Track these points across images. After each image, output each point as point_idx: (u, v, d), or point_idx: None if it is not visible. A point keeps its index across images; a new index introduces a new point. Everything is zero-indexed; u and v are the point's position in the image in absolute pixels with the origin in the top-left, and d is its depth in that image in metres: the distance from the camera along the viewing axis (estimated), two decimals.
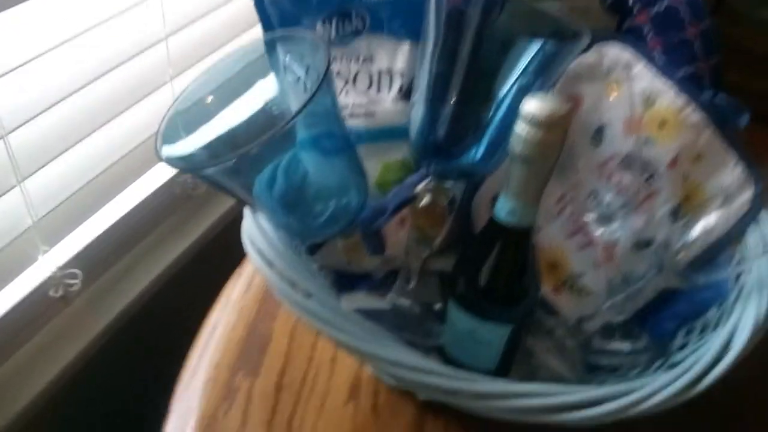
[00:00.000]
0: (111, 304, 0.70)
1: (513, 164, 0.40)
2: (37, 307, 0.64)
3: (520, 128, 0.38)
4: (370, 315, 0.43)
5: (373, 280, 0.52)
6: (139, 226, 0.74)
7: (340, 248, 0.49)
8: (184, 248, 0.76)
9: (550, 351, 0.50)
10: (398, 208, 0.45)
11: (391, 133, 0.50)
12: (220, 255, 0.73)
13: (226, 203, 0.84)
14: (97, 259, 0.70)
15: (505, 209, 0.42)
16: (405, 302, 0.49)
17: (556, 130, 0.37)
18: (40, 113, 0.58)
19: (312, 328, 0.43)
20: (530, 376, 0.49)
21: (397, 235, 0.48)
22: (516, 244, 0.45)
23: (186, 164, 0.38)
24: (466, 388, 0.41)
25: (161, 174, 0.77)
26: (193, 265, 0.78)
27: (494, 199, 0.49)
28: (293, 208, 0.45)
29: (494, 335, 0.47)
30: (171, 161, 0.39)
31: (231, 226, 0.84)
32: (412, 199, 0.45)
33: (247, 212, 0.48)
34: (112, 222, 0.71)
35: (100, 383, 0.71)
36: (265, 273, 0.45)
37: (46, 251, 0.64)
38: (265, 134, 0.37)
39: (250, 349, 0.62)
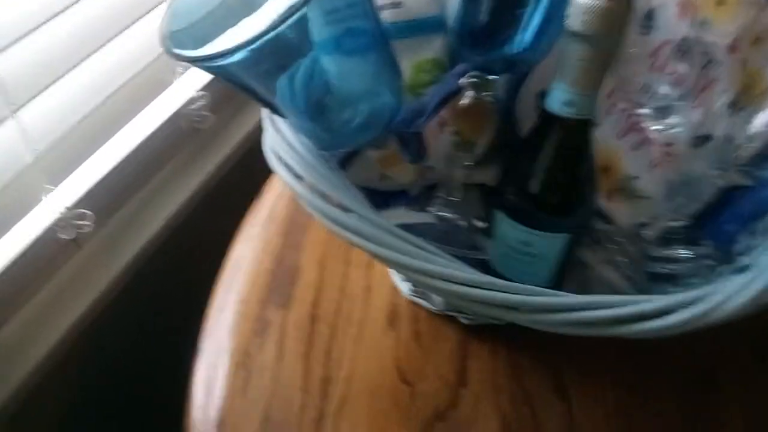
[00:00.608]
0: (126, 246, 0.66)
1: (570, 45, 0.35)
2: (47, 251, 0.60)
3: None
4: (412, 230, 0.38)
5: (408, 197, 0.47)
6: (147, 163, 0.69)
7: (374, 160, 0.44)
8: (199, 183, 0.71)
9: (606, 262, 0.46)
10: (441, 105, 0.40)
11: (422, 27, 0.44)
12: (237, 188, 0.69)
13: (238, 135, 0.78)
14: (106, 199, 0.65)
15: (560, 100, 0.37)
16: (449, 214, 0.44)
17: None
18: (30, 32, 0.52)
19: (352, 245, 0.39)
20: (583, 289, 0.45)
21: (438, 139, 0.43)
22: (574, 139, 0.40)
23: (200, 55, 0.33)
24: (530, 301, 0.37)
25: (165, 106, 0.71)
26: (209, 200, 0.74)
27: (541, 95, 0.44)
28: (318, 115, 0.40)
29: (548, 247, 0.43)
30: (183, 56, 0.34)
31: (245, 159, 0.80)
32: (456, 93, 0.40)
33: (267, 123, 0.43)
34: (119, 159, 0.66)
35: (119, 330, 0.68)
36: (295, 188, 0.40)
37: (50, 191, 0.59)
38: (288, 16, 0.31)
39: (278, 282, 0.58)
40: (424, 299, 0.54)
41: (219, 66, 0.34)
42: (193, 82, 0.74)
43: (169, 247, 0.69)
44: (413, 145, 0.42)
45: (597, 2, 0.33)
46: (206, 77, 0.75)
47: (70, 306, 0.61)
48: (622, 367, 0.53)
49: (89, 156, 0.64)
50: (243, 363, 0.53)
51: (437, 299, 0.52)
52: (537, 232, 0.42)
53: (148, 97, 0.69)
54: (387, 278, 0.58)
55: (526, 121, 0.44)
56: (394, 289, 0.57)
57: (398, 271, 0.38)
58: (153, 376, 0.70)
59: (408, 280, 0.53)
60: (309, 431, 0.49)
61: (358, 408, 0.50)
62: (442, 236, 0.44)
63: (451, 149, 0.45)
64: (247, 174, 0.68)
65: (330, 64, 0.38)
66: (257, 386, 0.51)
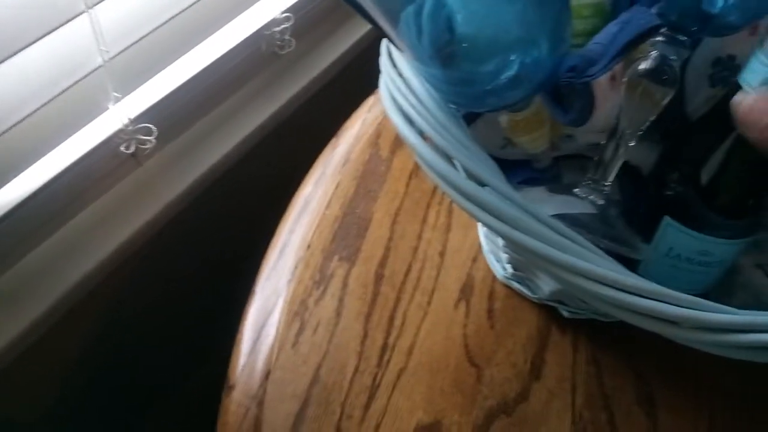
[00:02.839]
0: (187, 170, 0.62)
1: None
2: (107, 162, 0.57)
3: None
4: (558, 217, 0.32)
5: (532, 170, 0.40)
6: (220, 83, 0.64)
7: (504, 123, 0.37)
8: (272, 112, 0.66)
9: (756, 266, 0.39)
10: (621, 54, 0.32)
11: None
12: (312, 123, 0.63)
13: (319, 65, 0.73)
14: (173, 116, 0.61)
15: (762, 75, 0.29)
16: (601, 201, 0.37)
17: None
18: None
19: (486, 225, 0.32)
20: (727, 296, 0.38)
21: (606, 98, 0.35)
22: None
23: None
24: (699, 317, 0.29)
25: (248, 24, 0.66)
26: (280, 132, 0.69)
27: (717, 63, 0.36)
28: (449, 62, 0.33)
29: (728, 254, 0.36)
30: None
31: (324, 92, 0.74)
32: (638, 42, 0.32)
33: (386, 62, 0.37)
34: (191, 75, 0.61)
35: (170, 256, 0.65)
36: (416, 148, 0.34)
37: (118, 99, 0.55)
38: None
39: (346, 232, 0.53)
40: (524, 286, 0.48)
41: None
42: (279, 2, 0.68)
43: (231, 177, 0.65)
44: (579, 102, 0.34)
45: None
46: None
47: (122, 224, 0.58)
48: (723, 381, 0.46)
49: (161, 68, 0.59)
50: (298, 313, 0.48)
51: (544, 288, 0.45)
52: (723, 240, 0.35)
53: (230, 13, 0.64)
54: (465, 245, 0.52)
55: (693, 96, 0.36)
56: (472, 259, 0.52)
57: (540, 265, 0.31)
58: (202, 309, 0.67)
59: (537, 270, 0.45)
60: (360, 399, 0.44)
61: (416, 383, 0.45)
62: (595, 227, 0.37)
63: (622, 113, 0.37)
64: (325, 109, 0.63)
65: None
66: (310, 341, 0.47)
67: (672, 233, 0.36)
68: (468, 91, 0.34)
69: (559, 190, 0.39)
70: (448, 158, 0.33)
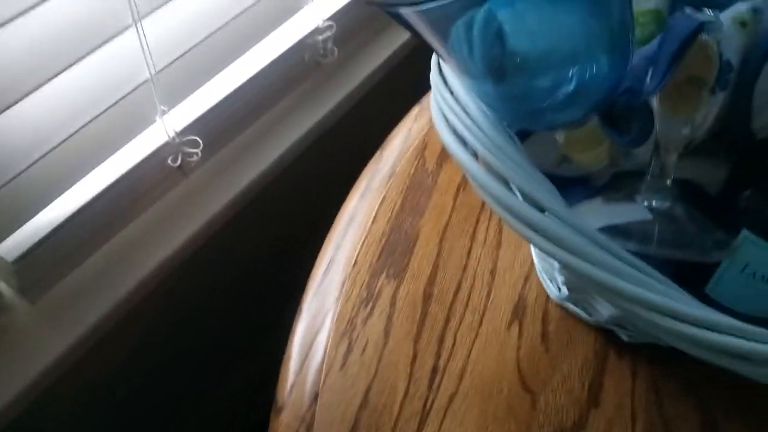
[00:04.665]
0: (232, 181, 0.61)
1: None
2: (154, 175, 0.57)
3: None
4: (616, 232, 0.30)
5: (588, 188, 0.38)
6: (263, 94, 0.64)
7: (561, 141, 0.35)
8: (315, 122, 0.66)
9: None
10: (675, 62, 0.30)
11: None
12: (356, 132, 0.62)
13: (361, 74, 0.71)
14: (218, 128, 0.60)
15: None
16: (667, 203, 0.35)
17: None
18: None
19: (545, 252, 0.30)
20: None
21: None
22: None
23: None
24: None
25: (290, 34, 0.65)
26: (324, 141, 0.68)
27: None
28: (501, 78, 0.32)
29: None
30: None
31: (367, 100, 0.72)
32: (687, 47, 0.30)
33: (437, 78, 0.35)
34: (235, 86, 0.61)
35: (216, 267, 0.65)
36: (468, 169, 0.32)
37: (164, 111, 0.55)
38: None
39: (393, 248, 0.52)
40: (581, 308, 0.46)
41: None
42: (320, 10, 0.68)
43: (276, 188, 0.64)
44: (638, 122, 0.32)
45: None
46: (335, 4, 0.67)
47: (168, 236, 0.58)
48: None
49: (206, 80, 0.59)
50: (346, 333, 0.47)
51: (602, 311, 0.43)
52: None
53: (273, 22, 0.63)
54: (517, 263, 0.51)
55: (759, 112, 0.34)
56: (524, 278, 0.50)
57: (603, 294, 0.29)
58: (246, 323, 0.67)
59: (604, 300, 0.43)
60: (411, 425, 0.43)
61: (468, 408, 0.44)
62: (661, 236, 0.35)
63: (664, 123, 0.35)
64: (368, 117, 0.62)
65: (523, 10, 0.30)
66: (359, 362, 0.46)
67: (749, 248, 0.34)
68: (522, 108, 0.33)
69: (616, 198, 0.37)
70: (504, 181, 0.31)
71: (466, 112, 0.33)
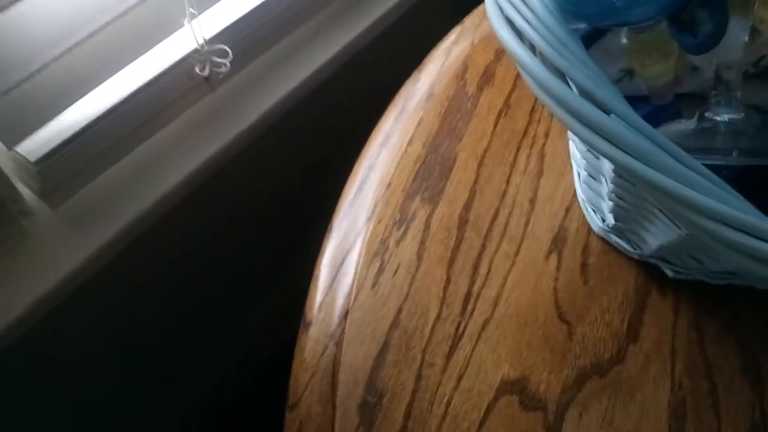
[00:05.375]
0: (261, 97, 0.59)
1: None
2: (181, 83, 0.54)
3: None
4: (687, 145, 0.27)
5: (651, 106, 0.36)
6: (297, 6, 0.60)
7: (626, 49, 0.32)
8: (350, 39, 0.62)
9: None
10: None
11: None
12: (394, 52, 0.59)
13: None
14: (249, 39, 0.57)
15: None
16: (741, 113, 0.32)
17: None
18: None
19: (612, 161, 0.28)
20: None
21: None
22: None
23: None
24: None
25: None
26: (359, 60, 0.65)
27: None
28: None
29: None
30: None
31: (406, 19, 0.69)
32: None
33: None
34: None
35: (243, 185, 0.63)
36: (525, 64, 0.29)
37: (194, 15, 0.52)
38: None
39: (429, 171, 0.50)
40: (625, 240, 0.44)
41: None
42: None
43: (307, 107, 0.62)
44: (710, 23, 0.29)
45: None
46: None
47: (195, 150, 0.56)
48: None
49: None
50: (378, 253, 0.46)
51: (651, 241, 0.41)
52: None
53: None
54: (558, 193, 0.48)
55: None
56: (565, 209, 0.48)
57: (673, 209, 0.27)
58: (274, 243, 0.66)
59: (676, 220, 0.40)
60: (443, 347, 0.42)
61: (502, 335, 0.42)
62: (733, 141, 0.33)
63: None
64: (406, 38, 0.58)
65: None
66: (390, 283, 0.44)
67: None
68: (590, 2, 0.30)
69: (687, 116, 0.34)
70: (564, 79, 0.29)
71: (526, 3, 0.30)
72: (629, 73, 0.36)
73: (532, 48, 0.30)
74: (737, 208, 0.26)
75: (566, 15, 0.30)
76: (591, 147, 0.28)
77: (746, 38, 0.32)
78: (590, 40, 0.36)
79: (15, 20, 0.42)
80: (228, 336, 0.80)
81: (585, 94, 0.28)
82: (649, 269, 0.45)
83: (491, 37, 0.59)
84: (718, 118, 0.31)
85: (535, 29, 0.30)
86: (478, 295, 0.44)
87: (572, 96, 0.28)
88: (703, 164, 0.28)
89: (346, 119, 0.55)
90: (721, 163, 0.29)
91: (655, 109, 0.37)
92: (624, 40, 0.33)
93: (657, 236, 0.41)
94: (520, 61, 0.30)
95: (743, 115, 0.31)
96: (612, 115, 0.27)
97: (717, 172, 0.29)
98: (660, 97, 0.37)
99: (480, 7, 0.62)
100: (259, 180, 0.65)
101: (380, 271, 0.45)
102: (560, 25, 0.29)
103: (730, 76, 0.32)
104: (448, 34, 0.60)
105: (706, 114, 0.32)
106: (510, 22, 0.31)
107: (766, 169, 0.34)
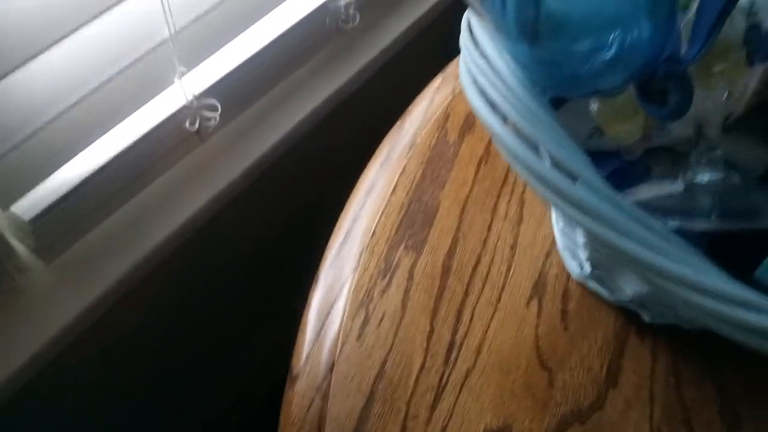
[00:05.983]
0: (250, 148, 0.61)
1: None
2: (172, 138, 0.56)
3: None
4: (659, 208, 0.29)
5: (620, 162, 0.37)
6: (284, 59, 0.62)
7: (595, 112, 0.34)
8: (335, 89, 0.64)
9: None
10: (716, 30, 0.28)
11: None
12: (376, 100, 0.61)
13: (383, 41, 0.70)
14: (236, 93, 0.59)
15: None
16: (721, 174, 0.33)
17: None
18: None
19: (581, 226, 0.29)
20: None
21: (705, 83, 0.32)
22: None
23: None
24: None
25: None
26: (344, 109, 0.67)
27: None
28: (535, 39, 0.30)
29: None
30: None
31: (388, 68, 0.71)
32: (729, 12, 0.28)
33: (466, 38, 0.34)
34: (256, 49, 0.59)
35: (232, 235, 0.64)
36: (497, 133, 0.31)
37: (183, 73, 0.54)
38: None
39: (412, 220, 0.51)
40: (603, 286, 0.45)
41: None
42: None
43: (295, 156, 0.63)
44: (677, 93, 0.31)
45: None
46: None
47: (185, 202, 0.58)
48: None
49: (226, 42, 0.58)
50: (363, 304, 0.47)
51: (626, 289, 0.42)
52: None
53: None
54: (538, 239, 0.50)
55: None
56: (545, 254, 0.49)
57: (639, 272, 0.28)
58: (261, 291, 0.67)
59: (642, 281, 0.40)
60: (427, 398, 0.43)
61: (485, 384, 0.43)
62: (714, 203, 0.34)
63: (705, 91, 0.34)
64: (389, 86, 0.60)
65: None
66: (375, 334, 0.46)
67: None
68: (558, 73, 0.31)
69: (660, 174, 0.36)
70: (534, 146, 0.30)
71: (498, 75, 0.31)
72: (599, 130, 0.38)
73: (505, 117, 0.31)
74: (702, 271, 0.28)
75: (535, 85, 0.31)
76: (560, 212, 0.29)
77: (721, 104, 0.34)
78: (560, 101, 0.38)
79: (11, 88, 0.44)
80: (225, 374, 0.81)
81: (554, 161, 0.29)
82: (627, 314, 0.46)
83: None
84: (697, 180, 0.33)
85: (505, 98, 0.31)
86: (461, 344, 0.45)
87: (541, 165, 0.30)
88: (682, 229, 0.29)
89: (334, 168, 0.56)
90: (700, 228, 0.31)
91: (625, 164, 0.39)
92: (592, 102, 0.35)
93: (632, 286, 0.43)
94: (493, 130, 0.31)
95: (723, 175, 0.33)
96: (578, 181, 0.29)
97: (697, 234, 0.30)
98: (630, 152, 0.38)
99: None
100: (247, 230, 0.66)
101: (365, 322, 0.46)
102: (529, 93, 0.31)
103: (710, 133, 0.33)
104: (432, 81, 0.62)
105: (687, 174, 0.34)
106: (482, 92, 0.32)
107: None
